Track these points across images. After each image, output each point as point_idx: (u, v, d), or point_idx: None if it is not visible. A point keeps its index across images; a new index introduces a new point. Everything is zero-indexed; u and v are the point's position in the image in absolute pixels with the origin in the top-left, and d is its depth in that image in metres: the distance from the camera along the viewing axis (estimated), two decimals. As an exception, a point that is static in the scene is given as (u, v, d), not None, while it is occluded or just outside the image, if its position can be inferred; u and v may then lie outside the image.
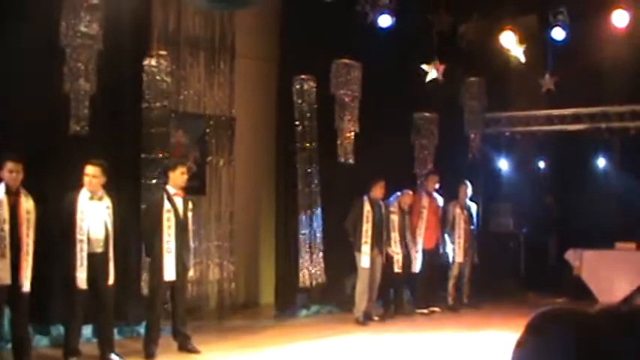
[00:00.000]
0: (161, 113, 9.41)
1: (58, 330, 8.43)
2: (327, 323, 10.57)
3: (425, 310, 11.48)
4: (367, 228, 10.39)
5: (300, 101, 10.98)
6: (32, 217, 7.28)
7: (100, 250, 7.68)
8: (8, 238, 7.07)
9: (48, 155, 8.21)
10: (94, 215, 7.68)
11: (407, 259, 11.16)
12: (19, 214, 7.19)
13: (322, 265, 11.08)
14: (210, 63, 10.70)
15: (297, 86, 10.99)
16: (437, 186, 11.86)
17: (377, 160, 11.09)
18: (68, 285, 7.55)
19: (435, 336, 9.71)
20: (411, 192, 11.47)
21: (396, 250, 10.98)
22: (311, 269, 10.95)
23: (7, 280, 7.05)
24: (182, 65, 10.35)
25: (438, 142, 12.81)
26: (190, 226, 8.55)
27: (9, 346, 7.51)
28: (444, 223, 11.88)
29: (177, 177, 8.38)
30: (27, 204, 7.26)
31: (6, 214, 7.09)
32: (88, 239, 7.59)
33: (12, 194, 7.21)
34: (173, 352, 8.32)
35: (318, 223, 11.09)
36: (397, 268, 11.02)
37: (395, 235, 10.99)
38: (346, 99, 11.27)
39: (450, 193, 12.01)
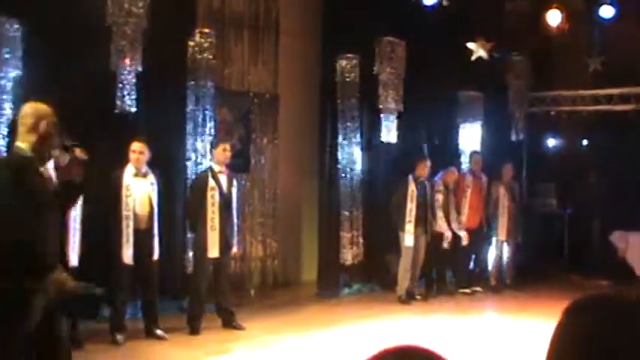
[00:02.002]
0: (206, 90, 9.45)
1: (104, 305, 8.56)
2: (369, 302, 10.59)
3: (467, 290, 11.44)
4: (411, 207, 10.37)
5: (343, 79, 10.95)
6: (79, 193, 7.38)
7: (144, 226, 7.78)
8: (57, 214, 7.20)
9: (94, 132, 8.29)
10: (139, 191, 7.77)
11: (452, 238, 11.12)
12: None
13: (364, 243, 11.08)
14: (255, 41, 10.71)
15: (341, 64, 10.96)
16: (481, 165, 11.77)
17: (421, 139, 11.04)
18: (114, 261, 7.65)
19: (477, 317, 9.67)
20: (455, 169, 11.42)
21: (443, 227, 10.96)
22: (353, 247, 10.96)
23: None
24: (226, 43, 10.37)
25: (483, 121, 12.70)
26: (234, 204, 8.60)
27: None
28: (488, 203, 11.80)
29: (220, 154, 8.43)
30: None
31: (54, 190, 7.21)
32: (134, 215, 7.68)
33: (61, 171, 7.32)
34: (217, 328, 8.40)
35: (360, 201, 11.08)
36: (446, 245, 10.99)
37: (440, 214, 10.97)
38: (390, 77, 11.21)
39: (494, 172, 11.91)
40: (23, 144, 4.44)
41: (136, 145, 7.80)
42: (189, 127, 9.38)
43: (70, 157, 4.81)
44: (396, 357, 1.38)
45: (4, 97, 7.99)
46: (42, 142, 4.48)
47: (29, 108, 4.58)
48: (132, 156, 7.78)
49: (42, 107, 4.59)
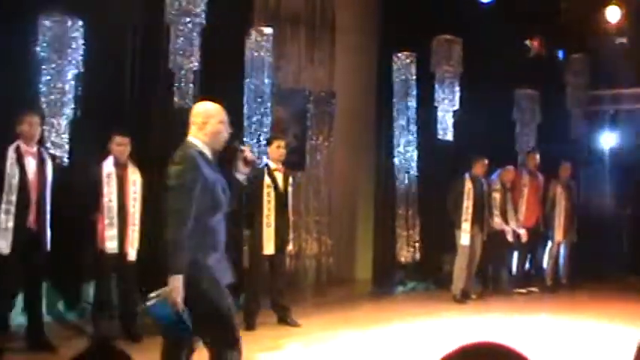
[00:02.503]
0: (263, 88, 9.51)
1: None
2: (424, 300, 10.54)
3: (523, 290, 11.32)
4: (468, 205, 10.30)
5: (400, 77, 10.93)
6: (139, 188, 7.52)
7: None
8: (116, 208, 7.33)
9: (153, 129, 8.40)
10: None
11: (511, 236, 11.02)
12: (125, 186, 7.43)
13: (420, 241, 11.05)
14: (311, 38, 10.75)
15: (398, 62, 10.94)
16: (537, 164, 11.64)
17: (477, 137, 10.95)
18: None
19: (533, 318, 9.55)
20: (512, 168, 11.32)
21: (500, 227, 10.87)
22: (409, 246, 10.93)
23: (115, 249, 7.31)
24: (283, 41, 10.43)
25: (540, 120, 12.55)
26: (290, 201, 8.63)
27: (117, 313, 7.77)
28: (545, 202, 11.67)
29: (274, 151, 8.47)
30: (134, 176, 7.51)
31: (114, 186, 7.35)
32: None
33: (120, 167, 7.46)
34: (273, 324, 8.44)
35: (415, 200, 11.05)
36: (511, 238, 10.91)
37: (497, 212, 10.88)
38: (447, 75, 11.16)
39: (552, 171, 11.77)
40: (194, 141, 4.57)
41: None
42: (247, 124, 9.44)
43: (239, 156, 4.89)
44: (476, 353, 1.37)
45: (66, 95, 8.12)
46: (211, 140, 4.59)
47: (200, 107, 4.72)
48: None
49: (212, 106, 4.71)
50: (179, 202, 4.34)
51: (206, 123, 4.60)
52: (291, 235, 8.73)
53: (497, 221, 10.87)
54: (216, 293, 4.43)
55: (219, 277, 4.44)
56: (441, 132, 11.09)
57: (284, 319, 8.49)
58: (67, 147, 8.08)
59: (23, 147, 6.93)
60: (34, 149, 7.02)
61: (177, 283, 4.25)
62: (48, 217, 6.98)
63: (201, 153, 4.52)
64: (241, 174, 4.89)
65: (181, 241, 4.29)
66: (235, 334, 4.50)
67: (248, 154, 4.95)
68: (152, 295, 4.32)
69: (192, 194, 4.34)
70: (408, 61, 10.96)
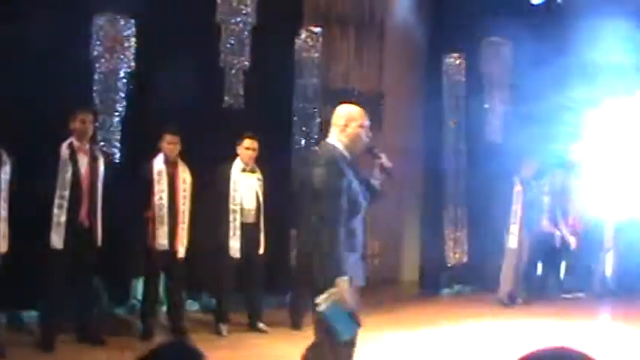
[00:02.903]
0: (312, 88, 9.53)
1: (208, 296, 8.75)
2: (470, 303, 10.47)
3: (570, 295, 11.18)
4: (516, 208, 10.19)
5: (449, 78, 10.88)
6: (188, 186, 7.60)
7: (252, 220, 7.90)
8: (166, 206, 7.41)
9: (203, 127, 8.47)
10: (246, 186, 7.90)
11: (560, 240, 10.90)
12: (176, 184, 7.52)
13: (468, 243, 10.98)
14: (360, 39, 10.74)
15: (447, 63, 10.89)
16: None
17: (527, 139, 10.84)
18: (221, 253, 7.79)
19: (580, 323, 9.42)
20: (562, 172, 11.18)
21: (550, 230, 10.76)
22: (456, 247, 10.88)
23: (164, 246, 7.40)
24: (331, 41, 10.43)
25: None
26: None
27: (164, 309, 7.86)
28: (595, 206, 11.50)
29: (318, 152, 8.48)
30: (184, 174, 7.59)
31: (164, 184, 7.44)
32: (241, 209, 7.82)
33: (170, 165, 7.55)
34: (317, 323, 8.44)
35: (463, 202, 10.98)
36: (557, 244, 10.79)
37: (546, 216, 10.76)
38: (496, 77, 11.08)
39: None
40: (334, 143, 4.63)
41: (247, 142, 7.92)
42: (295, 124, 9.47)
43: (375, 162, 4.94)
44: (550, 358, 1.36)
45: (118, 93, 8.22)
46: (351, 143, 4.63)
47: (342, 110, 4.75)
48: (245, 152, 7.91)
49: (353, 109, 4.75)
50: (331, 206, 4.40)
51: (347, 126, 4.64)
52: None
53: (545, 224, 10.74)
54: None
55: (352, 278, 4.47)
56: (490, 133, 11.01)
57: (330, 318, 8.48)
58: (118, 144, 8.19)
59: (76, 144, 7.04)
60: (87, 146, 7.13)
61: (344, 284, 4.31)
62: (99, 213, 7.09)
63: (342, 155, 4.58)
64: (376, 179, 4.92)
65: (340, 244, 4.34)
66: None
67: (385, 160, 4.98)
68: (320, 300, 4.35)
69: (342, 197, 4.42)
70: (457, 62, 10.90)
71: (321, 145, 4.72)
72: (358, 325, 4.50)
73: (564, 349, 1.36)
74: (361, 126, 4.67)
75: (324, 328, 4.53)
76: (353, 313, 4.42)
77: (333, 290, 4.29)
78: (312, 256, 4.44)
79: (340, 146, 4.60)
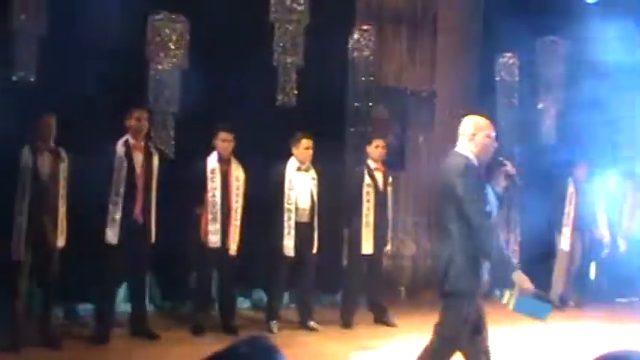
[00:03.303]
0: (364, 87, 9.51)
1: (260, 294, 8.79)
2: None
3: (624, 299, 11.01)
4: (569, 210, 10.09)
5: (502, 79, 10.77)
6: (241, 184, 7.65)
7: (306, 219, 7.92)
8: (219, 203, 7.47)
9: (256, 126, 8.51)
10: (301, 185, 7.92)
11: (612, 242, 10.73)
12: (229, 182, 7.58)
13: (520, 245, 10.87)
14: (413, 38, 10.70)
15: (501, 63, 10.78)
16: (643, 169, 11.28)
17: (580, 141, 10.71)
18: (274, 252, 7.82)
19: (633, 327, 9.26)
20: (616, 174, 10.99)
21: (603, 233, 10.60)
22: (508, 249, 10.76)
23: (217, 243, 7.47)
24: (384, 40, 10.41)
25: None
26: (390, 201, 8.62)
27: (216, 305, 7.92)
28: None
29: (373, 150, 8.48)
30: (237, 172, 7.65)
31: (218, 181, 7.50)
32: (296, 209, 7.84)
33: (224, 162, 7.61)
34: (369, 323, 8.45)
35: (516, 203, 10.87)
36: (606, 251, 10.63)
37: (600, 217, 10.60)
38: (550, 77, 10.93)
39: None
40: (464, 152, 4.83)
41: (305, 142, 7.96)
42: (348, 122, 9.46)
43: (500, 170, 5.13)
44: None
45: (172, 91, 8.30)
46: (480, 152, 4.83)
47: (469, 120, 4.96)
48: (302, 152, 7.94)
49: (480, 120, 4.95)
50: (480, 213, 4.60)
51: (475, 135, 4.83)
52: (389, 235, 8.72)
53: (600, 228, 10.58)
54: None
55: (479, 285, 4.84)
56: (544, 134, 10.88)
57: (381, 318, 8.49)
58: (172, 142, 8.27)
59: (131, 141, 7.13)
60: (142, 144, 7.22)
61: (520, 275, 4.58)
62: (154, 209, 7.17)
63: (474, 164, 4.78)
64: (500, 187, 5.07)
65: (499, 245, 4.64)
66: None
67: (510, 168, 5.14)
68: (505, 299, 4.77)
69: (486, 203, 4.65)
70: (511, 62, 10.78)
71: (452, 155, 4.89)
72: (549, 302, 4.82)
73: (633, 352, 1.35)
74: (488, 136, 4.86)
75: (438, 330, 4.99)
76: (539, 296, 4.76)
77: (514, 285, 4.57)
78: (448, 263, 4.72)
79: (470, 155, 4.78)
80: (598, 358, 1.33)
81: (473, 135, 4.80)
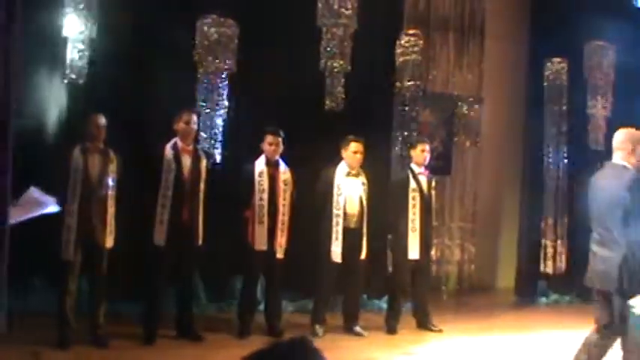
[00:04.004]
0: (412, 92, 9.49)
1: (305, 299, 8.81)
2: (567, 313, 10.22)
3: None
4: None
5: (550, 84, 10.68)
6: (289, 188, 7.66)
7: (354, 225, 7.89)
8: (267, 207, 7.49)
9: (304, 130, 8.53)
10: (350, 190, 7.90)
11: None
12: (277, 185, 7.59)
13: (566, 252, 10.76)
14: (460, 43, 10.69)
15: (549, 68, 10.69)
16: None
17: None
18: (322, 257, 7.80)
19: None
20: None
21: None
22: (555, 256, 10.66)
23: (263, 246, 7.48)
24: (432, 45, 10.41)
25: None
26: (433, 205, 8.58)
27: (262, 308, 7.95)
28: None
29: (418, 155, 8.43)
30: (285, 175, 7.66)
31: (265, 184, 7.52)
32: (344, 214, 7.83)
33: (271, 165, 7.62)
34: (412, 328, 8.42)
35: (563, 209, 10.77)
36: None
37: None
38: (599, 82, 10.81)
39: None
40: (625, 164, 5.32)
41: (355, 146, 7.92)
42: (395, 127, 9.46)
43: None
44: None
45: (221, 94, 8.37)
46: (638, 164, 5.28)
47: (625, 134, 5.40)
48: (352, 156, 7.91)
49: (636, 133, 5.36)
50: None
51: (634, 149, 5.29)
52: (433, 240, 8.67)
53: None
54: None
55: None
56: (593, 140, 10.75)
57: (424, 324, 8.45)
58: (220, 145, 8.34)
59: (180, 144, 7.19)
60: (190, 147, 7.28)
61: None
62: (201, 212, 7.22)
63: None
64: None
65: None
66: None
67: None
68: (635, 306, 5.09)
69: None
70: (560, 66, 10.68)
71: (615, 167, 5.38)
72: None
73: None
74: None
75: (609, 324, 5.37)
76: None
77: None
78: (622, 265, 5.27)
79: (630, 167, 5.23)
80: None
81: (632, 149, 5.23)
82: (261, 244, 7.48)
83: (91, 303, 6.90)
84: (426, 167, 8.51)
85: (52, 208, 4.86)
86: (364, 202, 7.93)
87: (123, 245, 6.97)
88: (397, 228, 8.30)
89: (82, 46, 7.75)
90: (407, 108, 9.46)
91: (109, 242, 6.82)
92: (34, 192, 4.67)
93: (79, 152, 6.74)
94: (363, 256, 7.95)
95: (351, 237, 7.82)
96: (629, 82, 10.83)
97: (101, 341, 6.80)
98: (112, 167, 6.89)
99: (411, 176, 8.36)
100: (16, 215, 4.28)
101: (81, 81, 7.74)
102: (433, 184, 8.59)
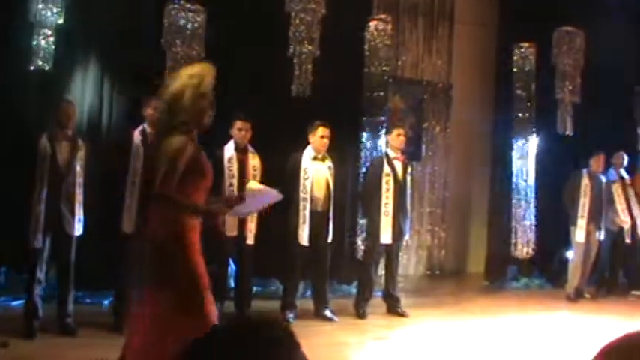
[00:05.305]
0: (380, 78, 9.49)
1: (275, 283, 8.81)
2: (536, 297, 10.36)
3: (639, 293, 10.94)
4: (585, 202, 10.03)
5: (519, 69, 10.72)
6: (258, 173, 7.65)
7: (321, 209, 7.92)
8: (236, 192, 7.46)
9: (272, 115, 8.51)
10: (317, 174, 7.92)
11: (630, 236, 10.66)
12: (246, 171, 7.57)
13: (534, 237, 10.84)
14: (429, 29, 10.69)
15: (517, 53, 10.73)
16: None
17: (597, 133, 10.65)
18: (289, 241, 7.83)
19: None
20: (622, 154, 10.86)
21: (624, 220, 10.53)
22: (523, 241, 10.74)
23: (234, 231, 7.46)
24: (401, 31, 10.41)
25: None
26: (408, 190, 8.60)
27: (231, 294, 7.94)
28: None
29: (394, 139, 8.46)
30: (254, 161, 7.65)
31: (235, 170, 7.51)
32: (311, 198, 7.84)
33: (240, 151, 7.60)
34: (381, 313, 8.45)
35: (532, 195, 10.84)
36: (628, 240, 10.57)
37: (621, 207, 10.51)
38: (567, 68, 10.85)
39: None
40: None
41: (322, 130, 7.94)
42: (364, 113, 9.45)
43: None
44: None
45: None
46: None
47: None
48: (319, 141, 7.92)
49: None
50: None
51: None
52: (408, 226, 8.68)
53: (618, 219, 10.50)
54: None
55: None
56: (560, 125, 10.81)
57: (394, 308, 8.48)
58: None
59: (148, 130, 7.13)
60: (159, 132, 7.23)
61: None
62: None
63: None
64: None
65: None
66: None
67: None
68: None
69: None
70: (528, 52, 10.73)
71: None
72: None
73: None
74: None
75: None
76: None
77: None
78: None
79: None
80: (623, 337, 1.32)
81: None
82: (231, 229, 7.47)
83: (60, 291, 6.85)
84: (402, 152, 8.52)
85: (277, 197, 5.12)
86: (331, 186, 7.95)
87: (92, 233, 6.92)
88: (370, 212, 8.32)
89: (49, 32, 7.66)
90: (375, 93, 9.44)
91: (78, 230, 6.76)
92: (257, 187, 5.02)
93: (46, 140, 6.68)
94: (329, 239, 7.98)
95: (318, 220, 7.85)
96: (597, 67, 10.90)
97: (70, 330, 6.76)
98: (81, 155, 6.83)
99: (385, 161, 8.38)
100: (247, 209, 4.82)
101: (47, 67, 7.65)
102: (409, 169, 8.60)
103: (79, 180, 6.76)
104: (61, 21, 7.72)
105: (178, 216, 4.37)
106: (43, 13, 7.64)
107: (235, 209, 4.83)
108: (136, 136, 7.08)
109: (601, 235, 10.29)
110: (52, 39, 7.67)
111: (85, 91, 8.02)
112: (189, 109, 4.47)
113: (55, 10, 7.68)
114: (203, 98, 4.55)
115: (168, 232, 4.35)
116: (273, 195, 5.05)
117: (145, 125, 7.14)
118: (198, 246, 4.48)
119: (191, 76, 4.56)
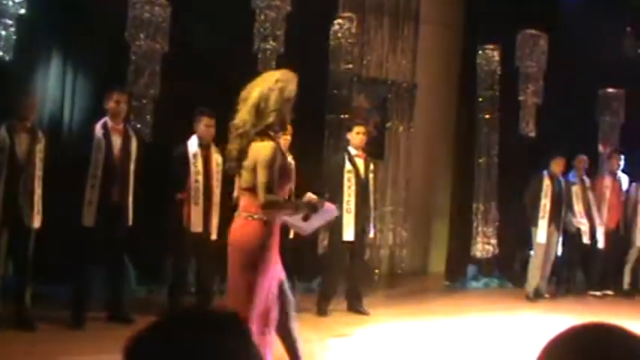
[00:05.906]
0: (345, 76, 9.49)
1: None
2: (496, 296, 10.43)
3: (598, 293, 11.06)
4: (545, 203, 10.11)
5: (483, 71, 10.80)
6: (221, 169, 7.58)
7: None
8: (202, 188, 7.42)
9: (235, 112, 8.45)
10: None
11: (590, 236, 10.76)
12: (210, 167, 7.52)
13: (495, 237, 10.92)
14: (394, 28, 10.71)
15: (481, 55, 10.81)
16: (620, 166, 11.33)
17: (559, 134, 10.75)
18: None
19: (606, 321, 9.29)
20: (584, 157, 10.98)
21: (582, 222, 10.64)
22: (485, 241, 10.82)
23: (198, 227, 7.40)
24: (366, 30, 10.42)
25: (625, 121, 12.19)
26: (371, 187, 8.58)
27: (192, 290, 7.88)
28: (627, 205, 11.35)
29: (354, 137, 8.45)
30: (217, 156, 7.58)
31: (200, 166, 7.44)
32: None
33: (204, 147, 7.55)
34: (342, 311, 8.45)
35: (493, 195, 10.92)
36: (586, 240, 10.68)
37: (579, 208, 10.63)
38: (530, 70, 10.97)
39: (635, 174, 11.45)
40: None
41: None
42: (328, 111, 9.45)
43: None
44: (587, 332, 1.33)
45: (152, 75, 8.25)
46: None
47: None
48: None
49: None
50: None
51: None
52: (372, 223, 8.65)
53: (576, 220, 10.62)
54: None
55: None
56: (523, 127, 10.91)
57: (355, 306, 8.47)
58: (151, 125, 8.23)
59: (110, 124, 7.07)
60: (121, 126, 7.17)
61: None
62: (131, 192, 7.12)
63: None
64: None
65: None
66: None
67: None
68: None
69: None
70: (492, 54, 10.81)
71: None
72: None
73: (601, 325, 1.33)
74: None
75: None
76: None
77: None
78: None
79: None
80: (569, 329, 1.31)
81: None
82: (196, 225, 7.41)
83: (17, 285, 6.76)
84: (364, 150, 8.52)
85: (335, 212, 5.10)
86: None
87: (51, 226, 6.83)
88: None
89: (9, 22, 7.56)
90: (339, 91, 9.44)
91: (36, 222, 6.68)
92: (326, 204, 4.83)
93: (4, 131, 6.59)
94: (290, 235, 7.93)
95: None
96: (560, 70, 11.01)
97: (27, 324, 6.66)
98: (40, 147, 6.75)
99: (346, 158, 8.37)
100: (313, 224, 4.77)
101: (8, 57, 7.55)
102: (371, 167, 8.59)
103: (39, 172, 6.68)
104: (22, 11, 7.62)
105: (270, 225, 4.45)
106: (5, 2, 7.55)
107: (305, 224, 4.81)
108: (98, 128, 7.01)
109: (560, 236, 10.39)
110: (12, 29, 7.57)
111: (46, 83, 7.91)
112: (275, 112, 4.57)
113: (17, 0, 7.59)
114: (287, 103, 4.68)
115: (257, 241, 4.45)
116: (333, 210, 4.99)
117: (107, 118, 7.08)
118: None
119: (277, 80, 4.67)
